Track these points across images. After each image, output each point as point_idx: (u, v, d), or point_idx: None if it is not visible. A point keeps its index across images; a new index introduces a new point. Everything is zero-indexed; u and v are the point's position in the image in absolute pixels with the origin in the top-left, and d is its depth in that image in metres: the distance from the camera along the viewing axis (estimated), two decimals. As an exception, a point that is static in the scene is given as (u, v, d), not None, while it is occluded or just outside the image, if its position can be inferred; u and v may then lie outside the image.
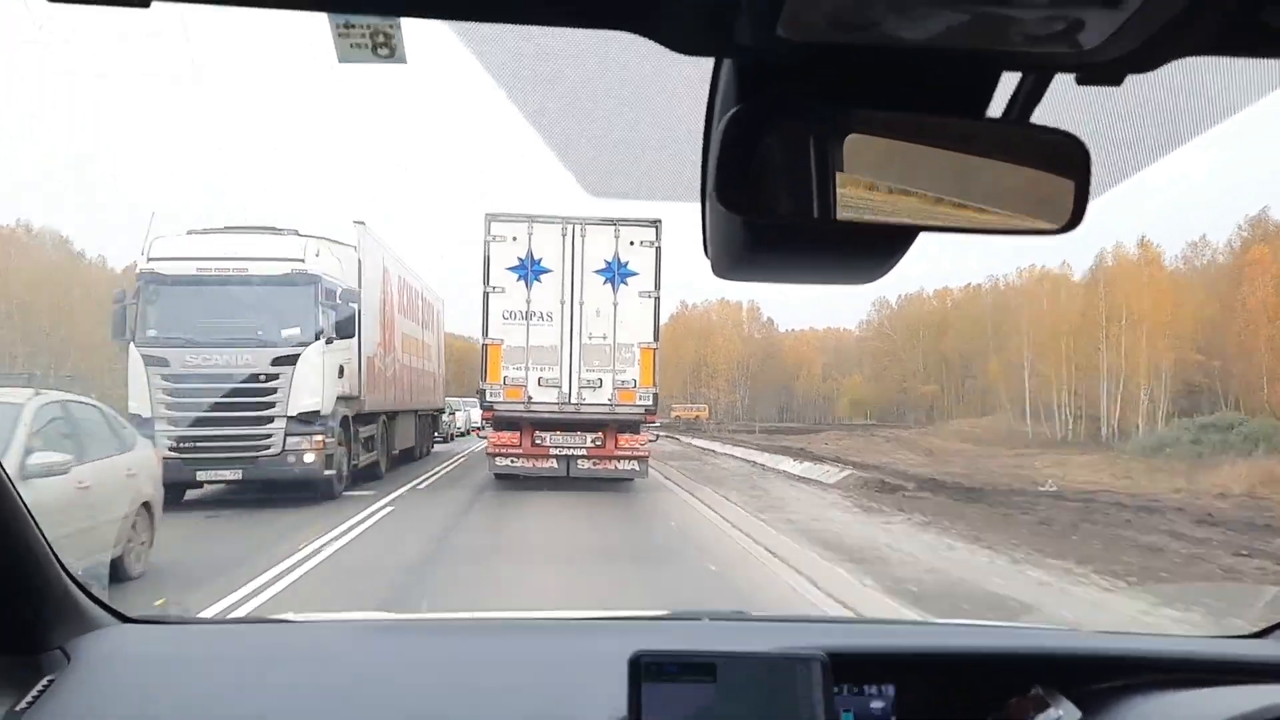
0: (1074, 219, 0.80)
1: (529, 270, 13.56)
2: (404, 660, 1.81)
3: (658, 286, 13.76)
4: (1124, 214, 51.07)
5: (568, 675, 1.75)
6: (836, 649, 1.42)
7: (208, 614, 5.90)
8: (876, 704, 1.62)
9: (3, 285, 49.89)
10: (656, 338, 13.86)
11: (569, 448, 13.70)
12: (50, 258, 56.76)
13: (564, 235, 13.62)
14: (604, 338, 13.65)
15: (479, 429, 24.11)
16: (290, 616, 2.14)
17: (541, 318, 13.58)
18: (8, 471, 1.53)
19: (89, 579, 1.78)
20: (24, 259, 55.22)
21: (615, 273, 13.67)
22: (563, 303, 13.61)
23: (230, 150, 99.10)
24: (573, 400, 13.58)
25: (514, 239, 13.55)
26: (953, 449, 41.67)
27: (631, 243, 13.70)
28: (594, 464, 13.77)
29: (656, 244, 13.73)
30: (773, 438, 42.47)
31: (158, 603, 6.56)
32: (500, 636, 2.06)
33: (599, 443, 13.74)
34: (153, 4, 0.68)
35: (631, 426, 13.89)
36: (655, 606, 3.61)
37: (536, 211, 13.72)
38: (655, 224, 13.73)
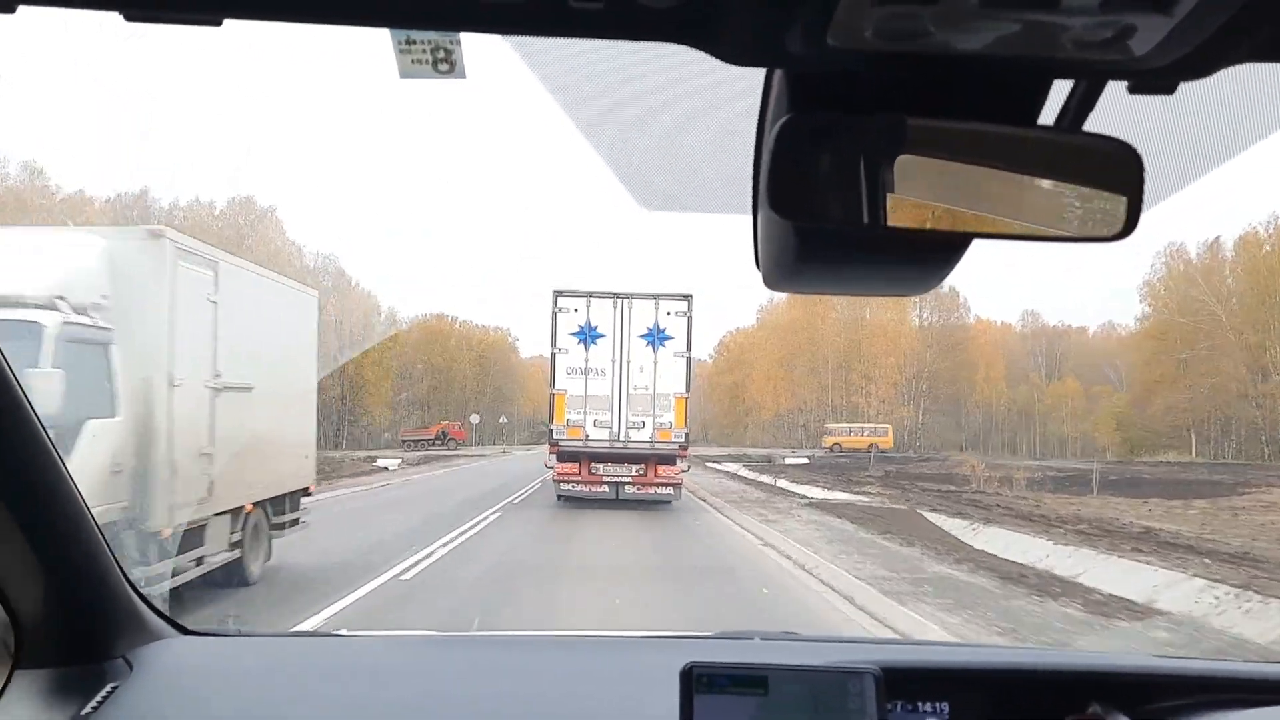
0: (1127, 227, 0.81)
1: (587, 336, 17.63)
2: (457, 675, 1.91)
3: (689, 348, 17.57)
4: None
5: (619, 690, 1.82)
6: (890, 664, 1.42)
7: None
8: None
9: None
10: (688, 388, 17.62)
11: (618, 476, 17.66)
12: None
13: (615, 307, 17.59)
14: (646, 389, 17.50)
15: None
16: (344, 632, 2.30)
17: (597, 373, 17.60)
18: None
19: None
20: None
21: (655, 337, 17.51)
22: (613, 361, 17.59)
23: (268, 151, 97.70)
24: (621, 438, 17.52)
25: (575, 310, 17.66)
26: None
27: (669, 313, 17.49)
28: (638, 489, 17.65)
29: (688, 314, 17.49)
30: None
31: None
32: (551, 652, 2.16)
33: (642, 472, 17.64)
34: (225, 22, 0.72)
35: (668, 459, 17.66)
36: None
37: (594, 288, 17.79)
38: (687, 298, 17.51)
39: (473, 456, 49.20)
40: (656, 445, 17.48)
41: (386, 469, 34.22)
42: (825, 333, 72.70)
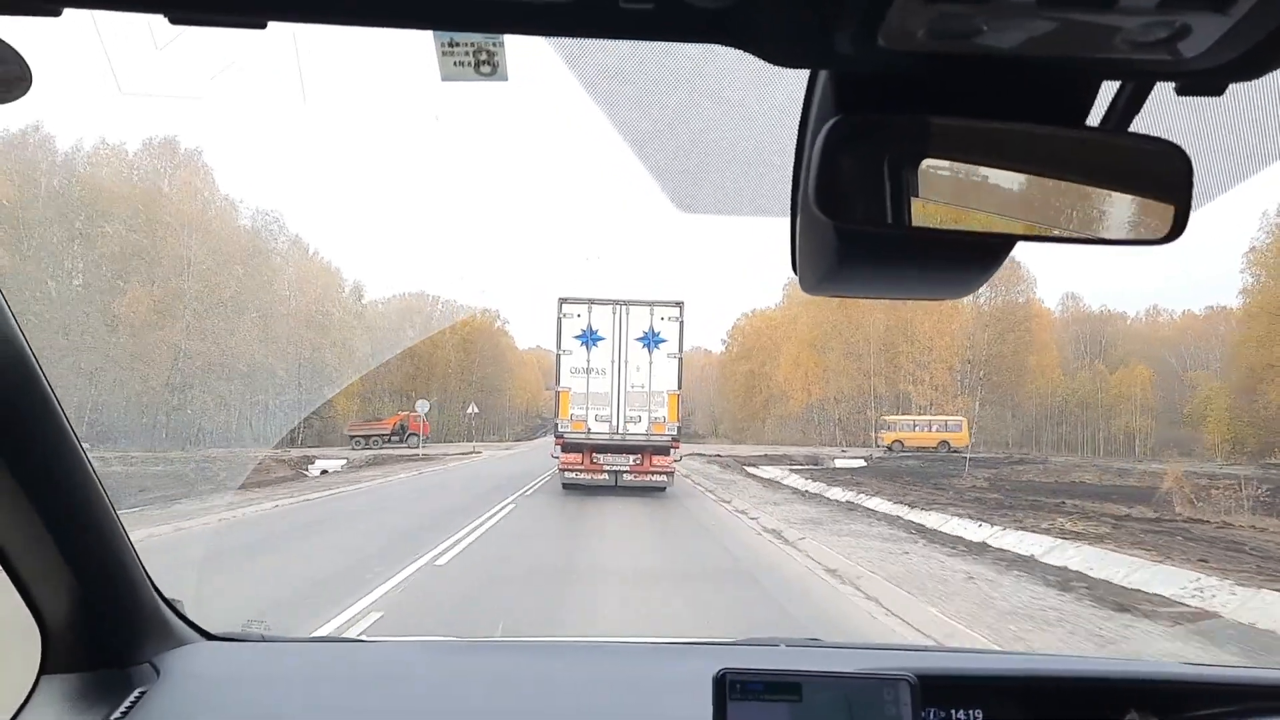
0: (1175, 230, 0.80)
1: (589, 338, 19.61)
2: (482, 681, 1.92)
3: (680, 350, 19.53)
4: None
5: (646, 696, 1.82)
6: (923, 671, 1.41)
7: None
8: None
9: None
10: (679, 386, 19.54)
11: (617, 465, 19.66)
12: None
13: (614, 313, 19.52)
14: (642, 387, 19.45)
15: None
16: (370, 637, 2.36)
17: (598, 372, 19.57)
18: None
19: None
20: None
21: (650, 340, 19.43)
22: (613, 361, 19.55)
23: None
24: (620, 431, 19.50)
25: (578, 315, 19.63)
26: None
27: (663, 318, 19.36)
28: (635, 477, 19.64)
29: (680, 320, 19.38)
30: None
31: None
32: (575, 658, 2.17)
33: (638, 461, 19.62)
34: (269, 25, 0.73)
35: (662, 450, 19.59)
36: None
37: (595, 295, 19.76)
38: (679, 304, 19.45)
39: (419, 460, 36.05)
40: (652, 437, 19.43)
41: (325, 473, 27.81)
42: (867, 308, 61.29)
